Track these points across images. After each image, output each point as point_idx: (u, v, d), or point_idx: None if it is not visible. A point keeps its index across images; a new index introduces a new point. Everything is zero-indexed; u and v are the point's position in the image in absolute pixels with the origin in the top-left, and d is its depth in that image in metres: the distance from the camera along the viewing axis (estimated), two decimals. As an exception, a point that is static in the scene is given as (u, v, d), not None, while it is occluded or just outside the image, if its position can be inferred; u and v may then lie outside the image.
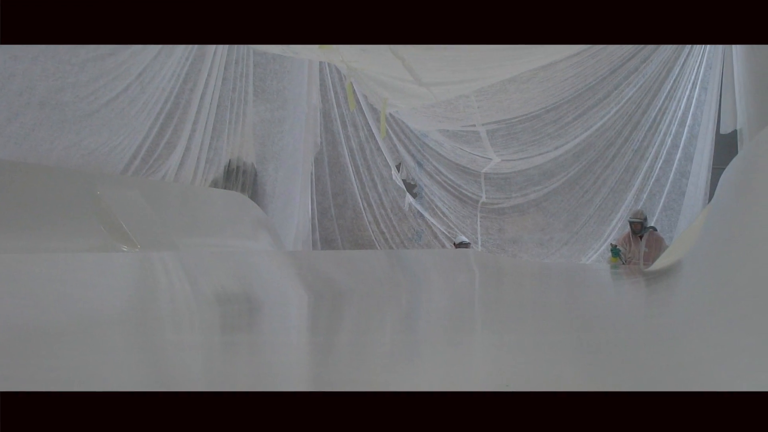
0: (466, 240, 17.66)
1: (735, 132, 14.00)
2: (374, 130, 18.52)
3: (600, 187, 17.52)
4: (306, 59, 16.05)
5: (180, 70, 12.49)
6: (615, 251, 14.74)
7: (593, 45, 15.30)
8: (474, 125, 17.46)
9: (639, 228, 14.71)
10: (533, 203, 18.17)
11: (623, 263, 14.57)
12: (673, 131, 16.90)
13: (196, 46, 12.76)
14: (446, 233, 18.47)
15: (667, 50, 16.56)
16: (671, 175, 16.94)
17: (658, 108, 16.92)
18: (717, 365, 2.89)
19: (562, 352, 3.65)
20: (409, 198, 18.62)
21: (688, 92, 16.73)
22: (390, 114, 17.60)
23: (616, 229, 17.10)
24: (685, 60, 16.61)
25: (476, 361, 3.57)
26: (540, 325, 4.98)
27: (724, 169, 6.77)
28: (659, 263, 10.66)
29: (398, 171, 18.72)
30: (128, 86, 11.04)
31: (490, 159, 18.02)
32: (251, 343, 4.08)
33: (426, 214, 18.64)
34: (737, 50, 14.07)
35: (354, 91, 17.23)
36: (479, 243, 18.27)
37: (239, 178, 14.69)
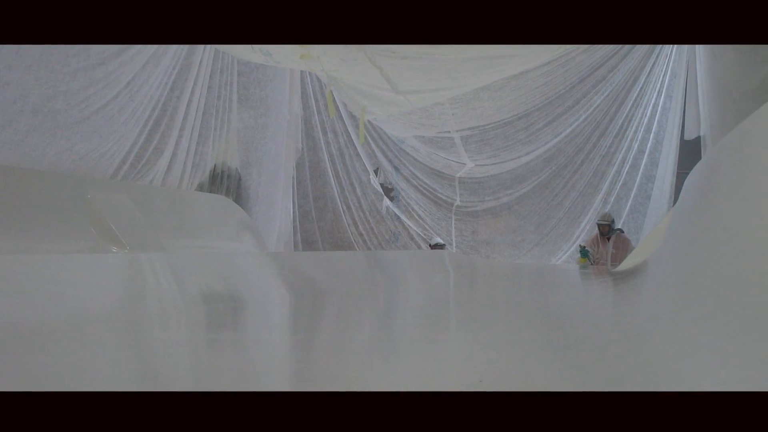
0: (441, 242, 17.67)
1: (699, 138, 14.05)
2: (353, 137, 18.53)
3: (569, 191, 17.54)
4: (288, 68, 16.05)
5: (167, 78, 12.48)
6: (584, 252, 14.77)
7: (566, 51, 15.33)
8: (449, 131, 17.49)
9: (606, 230, 14.75)
10: (505, 206, 18.18)
11: (591, 264, 14.61)
12: (639, 137, 16.93)
13: (183, 55, 12.75)
14: (422, 235, 18.48)
15: (633, 60, 16.62)
16: (637, 179, 16.98)
17: (625, 115, 16.96)
18: (682, 362, 2.91)
19: (534, 349, 3.66)
20: (386, 201, 18.63)
21: (653, 100, 16.77)
22: (368, 121, 17.61)
23: (585, 231, 17.13)
24: (651, 69, 16.65)
25: (451, 358, 3.58)
26: (512, 324, 5.00)
27: (688, 173, 6.80)
28: (626, 264, 10.69)
29: (376, 175, 18.73)
30: (118, 94, 11.03)
31: (464, 164, 18.04)
32: (235, 340, 4.08)
33: (403, 217, 18.65)
34: (701, 59, 14.13)
35: (334, 99, 17.25)
36: (454, 245, 18.29)
37: (224, 182, 14.68)
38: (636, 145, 16.98)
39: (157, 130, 12.41)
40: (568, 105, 17.16)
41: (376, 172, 18.78)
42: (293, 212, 18.46)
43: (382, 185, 18.76)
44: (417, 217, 18.72)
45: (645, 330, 3.83)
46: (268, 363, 3.33)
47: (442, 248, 17.16)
